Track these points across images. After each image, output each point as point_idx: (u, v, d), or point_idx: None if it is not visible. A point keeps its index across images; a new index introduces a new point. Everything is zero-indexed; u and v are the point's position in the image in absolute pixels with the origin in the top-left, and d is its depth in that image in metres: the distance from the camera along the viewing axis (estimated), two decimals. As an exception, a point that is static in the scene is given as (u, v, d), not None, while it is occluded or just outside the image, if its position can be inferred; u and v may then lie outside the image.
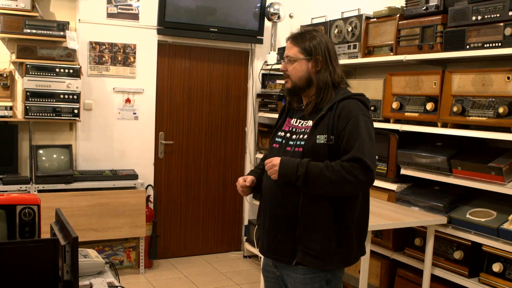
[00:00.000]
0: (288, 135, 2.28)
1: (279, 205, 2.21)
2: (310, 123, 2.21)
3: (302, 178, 2.07)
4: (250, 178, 2.36)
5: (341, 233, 2.15)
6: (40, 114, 4.28)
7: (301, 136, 2.22)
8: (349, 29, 4.12)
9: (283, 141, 2.28)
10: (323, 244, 2.13)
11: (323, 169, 2.06)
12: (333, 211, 2.14)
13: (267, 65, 5.28)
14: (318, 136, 2.14)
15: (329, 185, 2.07)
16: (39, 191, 4.22)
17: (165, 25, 4.90)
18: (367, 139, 2.10)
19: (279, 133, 2.33)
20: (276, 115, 4.71)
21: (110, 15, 4.75)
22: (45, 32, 4.30)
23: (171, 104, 5.17)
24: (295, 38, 2.26)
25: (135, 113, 4.94)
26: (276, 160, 2.15)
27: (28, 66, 4.23)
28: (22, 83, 4.33)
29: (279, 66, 5.04)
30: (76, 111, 4.39)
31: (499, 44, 2.97)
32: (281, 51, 5.07)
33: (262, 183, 2.35)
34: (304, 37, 2.24)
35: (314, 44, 2.22)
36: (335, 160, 2.10)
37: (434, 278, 3.31)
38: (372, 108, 3.79)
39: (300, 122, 2.27)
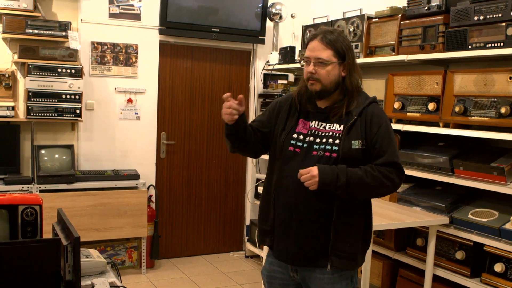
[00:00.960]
0: (310, 138, 2.19)
1: (312, 211, 2.15)
2: (337, 126, 2.17)
3: (343, 187, 2.06)
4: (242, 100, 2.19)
5: (366, 232, 2.23)
6: (42, 114, 4.29)
7: (330, 140, 2.16)
8: (351, 29, 4.12)
9: (305, 145, 2.19)
10: (354, 246, 2.17)
11: (363, 176, 2.07)
12: (363, 213, 2.20)
13: (269, 65, 5.28)
14: (353, 142, 2.12)
15: (368, 191, 2.13)
16: (41, 191, 4.23)
17: (167, 25, 4.90)
18: (395, 142, 2.18)
19: (296, 135, 2.22)
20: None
21: (112, 15, 4.76)
22: (47, 32, 4.31)
23: (173, 104, 5.17)
24: (325, 38, 2.16)
25: (137, 113, 4.94)
26: (314, 171, 2.06)
27: (30, 66, 4.24)
28: (24, 83, 4.34)
29: (281, 66, 5.10)
30: (78, 111, 4.39)
31: (501, 44, 2.97)
32: (283, 51, 5.07)
33: (282, 190, 2.23)
34: (335, 38, 2.17)
35: (346, 47, 2.18)
36: (365, 164, 2.13)
37: (436, 278, 3.31)
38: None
39: (322, 125, 2.20)
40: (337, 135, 2.15)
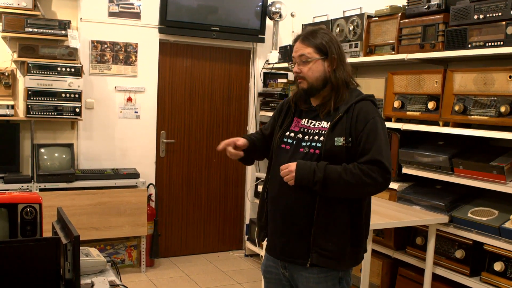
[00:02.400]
0: (299, 136, 2.23)
1: (295, 207, 2.18)
2: (324, 124, 2.18)
3: (320, 183, 2.06)
4: (242, 140, 2.35)
5: (355, 233, 2.17)
6: (42, 113, 4.28)
7: (316, 137, 2.18)
8: (351, 28, 4.12)
9: (294, 142, 2.23)
10: (339, 245, 2.14)
11: (342, 173, 2.05)
12: (348, 212, 2.15)
13: (269, 64, 5.27)
14: (336, 139, 2.11)
15: (348, 189, 2.07)
16: (41, 190, 4.23)
17: (166, 24, 4.90)
18: (384, 141, 2.10)
19: (288, 133, 2.27)
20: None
21: (111, 14, 4.76)
22: (47, 31, 4.30)
23: (172, 103, 5.17)
24: (306, 38, 2.20)
25: (136, 112, 4.94)
26: (292, 166, 2.11)
27: (29, 65, 4.23)
28: (23, 82, 4.34)
29: (280, 65, 5.10)
30: (77, 110, 4.39)
31: (501, 43, 2.97)
32: (283, 50, 5.07)
33: (270, 185, 2.31)
34: (316, 36, 2.19)
35: (327, 42, 2.18)
36: (351, 162, 2.10)
37: (435, 277, 3.31)
38: (373, 107, 3.79)
39: (312, 122, 2.23)
40: (323, 132, 2.17)
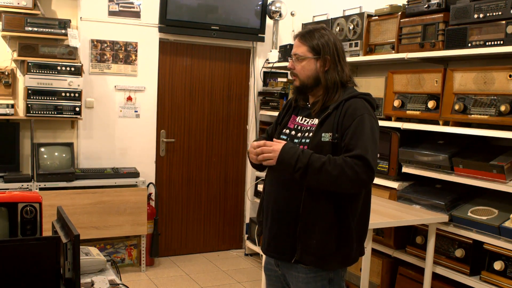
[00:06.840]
0: (293, 132, 2.26)
1: (282, 202, 2.20)
2: (315, 121, 2.20)
3: (301, 170, 2.03)
4: (263, 142, 2.29)
5: (342, 234, 2.14)
6: (42, 112, 4.28)
7: (306, 134, 2.20)
8: (351, 27, 4.11)
9: (288, 139, 2.26)
10: (323, 243, 2.12)
11: (326, 163, 2.01)
12: (335, 211, 2.12)
13: (269, 63, 5.27)
14: (323, 134, 2.12)
15: (329, 179, 2.02)
16: (41, 189, 4.23)
17: (166, 23, 4.90)
18: (371, 138, 2.08)
19: (285, 130, 2.30)
20: (277, 113, 4.70)
21: (111, 13, 4.75)
22: (47, 30, 4.30)
23: (172, 102, 5.17)
24: (303, 36, 2.24)
25: (136, 111, 4.94)
26: (278, 146, 2.09)
27: (29, 64, 4.23)
28: (23, 81, 4.34)
29: (280, 64, 5.10)
30: (77, 109, 4.39)
31: (501, 42, 2.97)
32: (283, 49, 5.07)
33: (266, 181, 2.34)
34: (313, 36, 2.22)
35: (323, 43, 2.20)
36: None
37: (435, 276, 3.31)
38: (373, 106, 3.79)
39: (305, 120, 2.26)
40: (313, 128, 2.19)
